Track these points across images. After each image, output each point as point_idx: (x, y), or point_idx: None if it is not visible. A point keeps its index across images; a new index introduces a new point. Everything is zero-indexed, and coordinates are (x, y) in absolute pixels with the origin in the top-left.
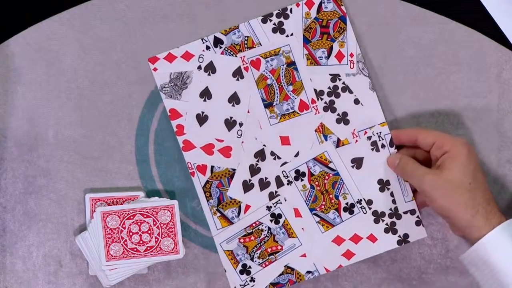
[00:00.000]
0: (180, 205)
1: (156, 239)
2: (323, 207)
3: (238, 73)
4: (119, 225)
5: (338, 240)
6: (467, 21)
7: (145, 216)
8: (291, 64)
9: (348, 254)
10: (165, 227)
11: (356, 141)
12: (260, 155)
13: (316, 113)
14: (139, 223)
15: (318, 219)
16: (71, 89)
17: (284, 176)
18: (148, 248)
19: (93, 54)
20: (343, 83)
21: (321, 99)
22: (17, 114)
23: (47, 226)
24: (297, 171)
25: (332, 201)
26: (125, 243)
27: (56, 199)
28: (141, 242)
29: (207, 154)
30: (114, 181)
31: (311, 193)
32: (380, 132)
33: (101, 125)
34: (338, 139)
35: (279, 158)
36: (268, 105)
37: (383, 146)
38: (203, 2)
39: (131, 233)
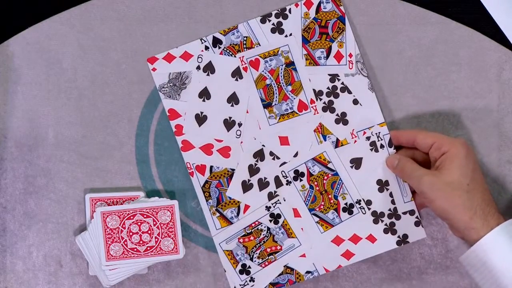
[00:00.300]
0: (180, 205)
1: (156, 239)
2: (322, 207)
3: (237, 73)
4: (119, 225)
5: (338, 240)
6: (467, 21)
7: (145, 216)
8: (290, 64)
9: (348, 254)
10: (165, 227)
11: (355, 141)
12: (259, 155)
13: (315, 113)
14: (139, 223)
15: (317, 219)
16: (71, 89)
17: (283, 176)
18: (148, 248)
19: (93, 54)
20: (342, 83)
21: (320, 99)
22: (17, 114)
23: (47, 226)
24: (296, 171)
25: (331, 201)
26: (125, 243)
27: (56, 199)
28: (141, 242)
29: (206, 154)
30: (114, 181)
31: (310, 193)
32: (379, 133)
33: (101, 125)
34: (337, 139)
35: (278, 158)
36: (267, 105)
37: (382, 146)
38: (203, 2)
39: (131, 233)
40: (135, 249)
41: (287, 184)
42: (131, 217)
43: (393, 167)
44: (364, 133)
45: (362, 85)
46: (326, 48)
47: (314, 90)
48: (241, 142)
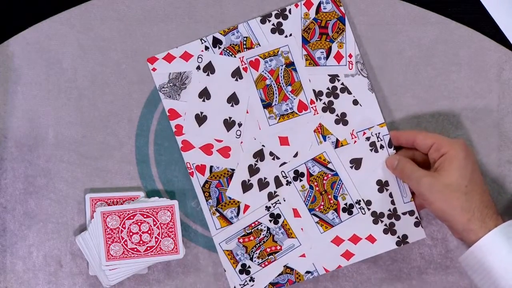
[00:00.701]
0: (180, 205)
1: (156, 239)
2: (322, 207)
3: (237, 74)
4: (119, 225)
5: (337, 241)
6: (467, 21)
7: (145, 216)
8: (290, 64)
9: (347, 255)
10: (165, 227)
11: (355, 141)
12: (259, 155)
13: (315, 114)
14: (139, 223)
15: (317, 219)
16: (71, 89)
17: (283, 177)
18: (148, 248)
19: (93, 54)
20: (342, 83)
21: (320, 99)
22: (17, 114)
23: (47, 226)
24: (296, 171)
25: (331, 201)
26: (125, 243)
27: (56, 199)
28: (141, 242)
29: (206, 154)
30: (114, 181)
31: (310, 194)
32: (379, 133)
33: (101, 125)
34: (337, 140)
35: (278, 158)
36: (267, 105)
37: (381, 147)
38: (203, 2)
39: (131, 233)
40: (135, 249)
41: (287, 184)
42: (131, 217)
43: (393, 167)
44: (364, 133)
45: (362, 85)
46: (326, 48)
47: (314, 90)
48: (241, 142)
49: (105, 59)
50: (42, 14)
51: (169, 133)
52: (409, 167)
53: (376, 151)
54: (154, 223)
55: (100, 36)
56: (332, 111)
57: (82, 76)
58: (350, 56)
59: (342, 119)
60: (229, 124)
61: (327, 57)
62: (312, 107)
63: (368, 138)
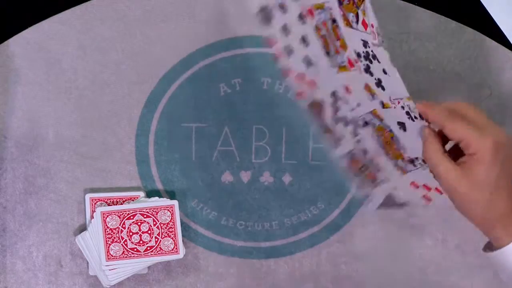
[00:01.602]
0: (180, 205)
1: (156, 239)
2: (391, 155)
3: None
4: (119, 225)
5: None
6: (467, 21)
7: (145, 216)
8: (334, 21)
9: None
10: (165, 227)
11: (394, 107)
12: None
13: (360, 73)
14: (139, 223)
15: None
16: (71, 89)
17: None
18: (148, 248)
19: (93, 54)
20: (372, 51)
21: (361, 61)
22: (17, 114)
23: (47, 226)
24: (362, 119)
25: (396, 152)
26: (125, 243)
27: (56, 199)
28: (141, 242)
29: None
30: (114, 181)
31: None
32: (409, 105)
33: (101, 125)
34: (382, 102)
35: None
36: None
37: (415, 117)
38: (203, 2)
39: (131, 233)
40: (135, 249)
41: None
42: (131, 217)
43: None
44: (398, 102)
45: (385, 57)
46: (355, 13)
47: (354, 50)
48: None
49: (105, 59)
50: (42, 14)
51: (169, 133)
52: (435, 156)
53: (413, 120)
54: (154, 223)
55: (100, 36)
56: (371, 74)
57: (82, 76)
58: (372, 26)
59: (380, 84)
60: None
61: (357, 22)
62: (357, 66)
63: (402, 107)
